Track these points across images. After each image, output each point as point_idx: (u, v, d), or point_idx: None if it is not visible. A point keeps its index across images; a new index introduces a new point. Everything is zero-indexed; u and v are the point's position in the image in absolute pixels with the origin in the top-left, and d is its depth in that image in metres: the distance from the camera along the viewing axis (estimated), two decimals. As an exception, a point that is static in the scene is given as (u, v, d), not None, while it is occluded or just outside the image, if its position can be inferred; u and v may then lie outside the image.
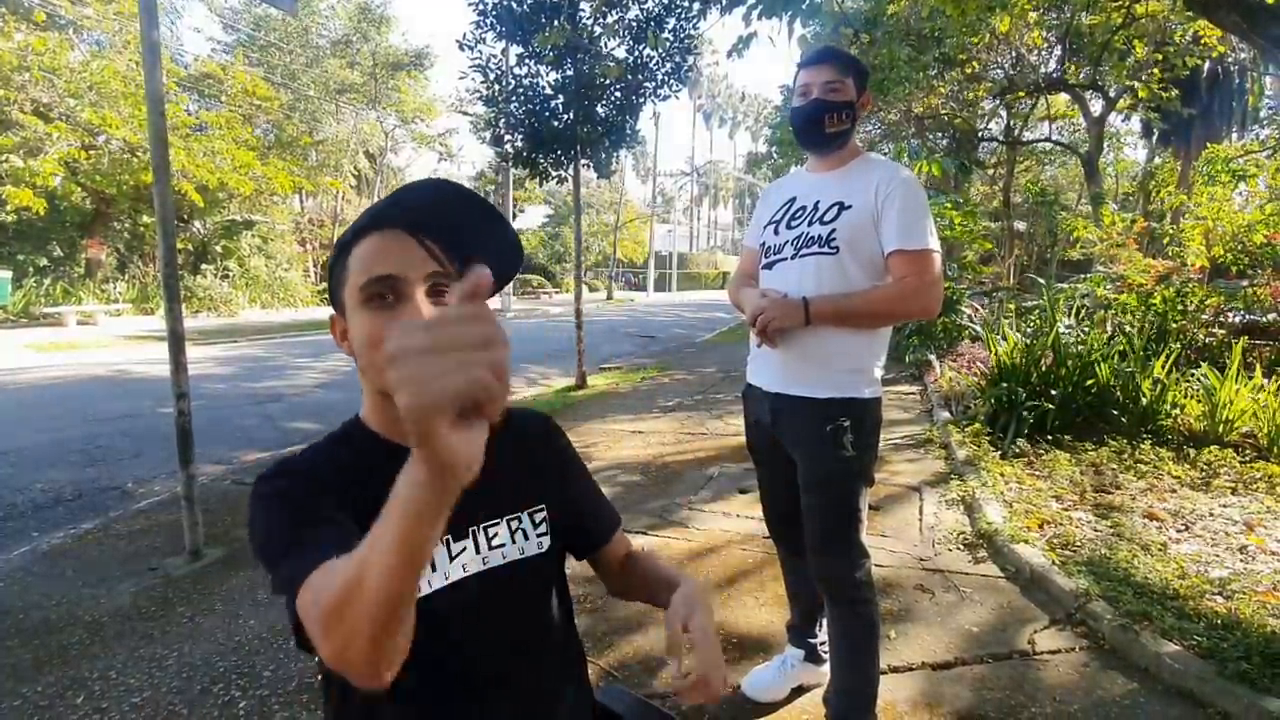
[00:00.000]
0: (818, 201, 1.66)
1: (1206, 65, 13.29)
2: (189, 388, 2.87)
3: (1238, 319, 6.24)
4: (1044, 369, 4.83)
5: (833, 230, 1.61)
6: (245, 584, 2.69)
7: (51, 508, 3.64)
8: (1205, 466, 3.89)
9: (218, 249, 18.05)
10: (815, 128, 1.65)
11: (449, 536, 0.83)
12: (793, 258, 1.67)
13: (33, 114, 13.74)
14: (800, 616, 2.02)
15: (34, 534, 3.25)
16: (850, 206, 1.61)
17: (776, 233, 1.73)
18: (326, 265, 0.83)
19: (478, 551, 0.86)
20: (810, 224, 1.65)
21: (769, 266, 1.74)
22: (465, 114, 21.98)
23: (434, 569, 0.81)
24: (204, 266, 17.45)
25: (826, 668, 1.93)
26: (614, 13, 6.49)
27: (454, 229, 0.79)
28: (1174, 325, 5.93)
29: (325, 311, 19.81)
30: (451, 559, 0.83)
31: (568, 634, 0.98)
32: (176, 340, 2.80)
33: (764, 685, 1.99)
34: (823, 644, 1.98)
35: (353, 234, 0.80)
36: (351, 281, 0.79)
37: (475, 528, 0.86)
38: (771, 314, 1.63)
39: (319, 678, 0.82)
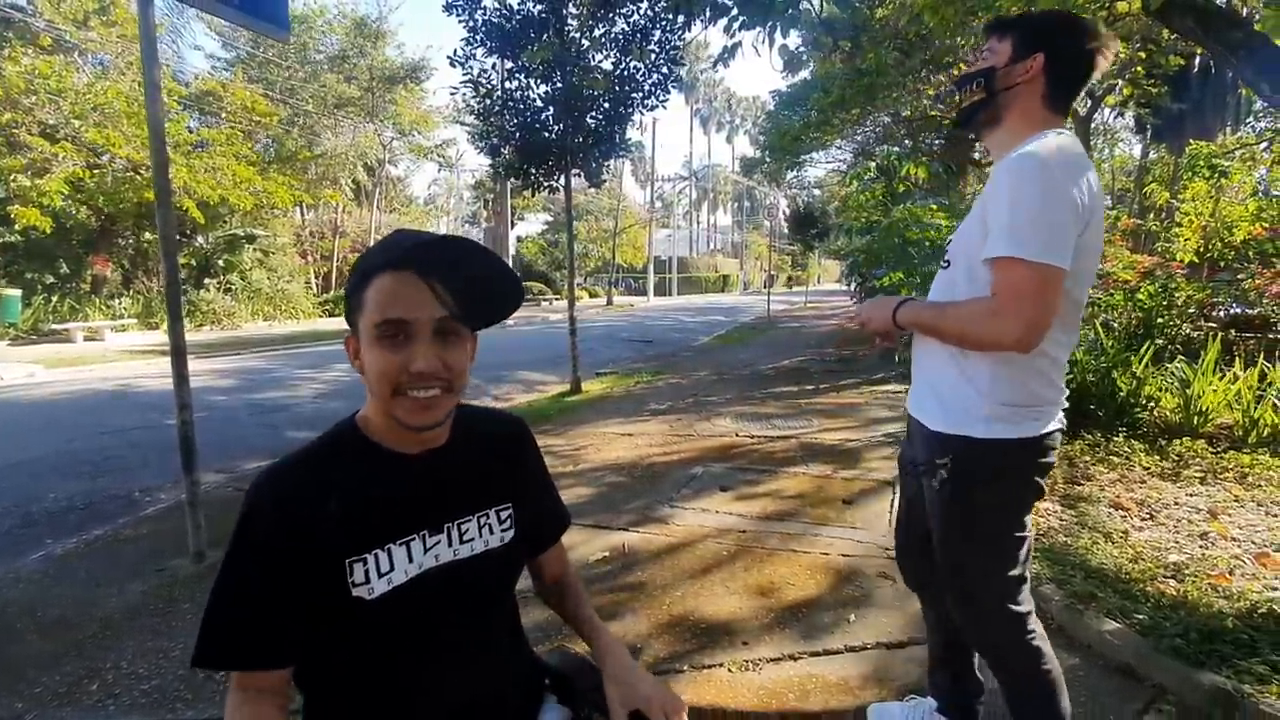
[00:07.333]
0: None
1: (1197, 60, 13.37)
2: (191, 399, 3.03)
3: (1228, 312, 6.36)
4: (1022, 365, 4.93)
5: (950, 241, 1.44)
6: (247, 583, 2.84)
7: (64, 515, 3.81)
8: (1176, 458, 4.00)
9: (220, 263, 18.29)
10: (956, 107, 1.44)
11: (425, 532, 0.96)
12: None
13: (39, 135, 14.01)
14: (939, 676, 1.80)
15: (48, 540, 3.41)
16: (971, 211, 1.38)
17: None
18: (345, 288, 0.96)
19: (450, 544, 0.98)
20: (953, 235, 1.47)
21: None
22: (462, 124, 22.25)
23: (410, 560, 0.94)
24: (207, 281, 17.68)
25: None
26: (600, 26, 6.67)
27: (461, 274, 0.90)
28: (1160, 320, 6.05)
29: (326, 324, 19.94)
30: (426, 550, 0.96)
31: (511, 601, 1.13)
32: (179, 355, 2.97)
33: None
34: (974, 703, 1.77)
35: (371, 267, 0.89)
36: (368, 317, 0.89)
37: (450, 524, 0.99)
38: (864, 315, 1.50)
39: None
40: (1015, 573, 1.40)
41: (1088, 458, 4.04)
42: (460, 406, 1.01)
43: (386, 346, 0.88)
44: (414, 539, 0.95)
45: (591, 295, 34.50)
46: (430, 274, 0.89)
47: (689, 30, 6.69)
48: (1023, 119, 1.35)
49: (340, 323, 19.06)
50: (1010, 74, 1.33)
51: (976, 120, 1.41)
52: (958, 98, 1.42)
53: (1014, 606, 1.40)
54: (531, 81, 6.77)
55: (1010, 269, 1.20)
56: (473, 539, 1.01)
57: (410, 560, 0.94)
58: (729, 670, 2.14)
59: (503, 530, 1.05)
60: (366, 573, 0.90)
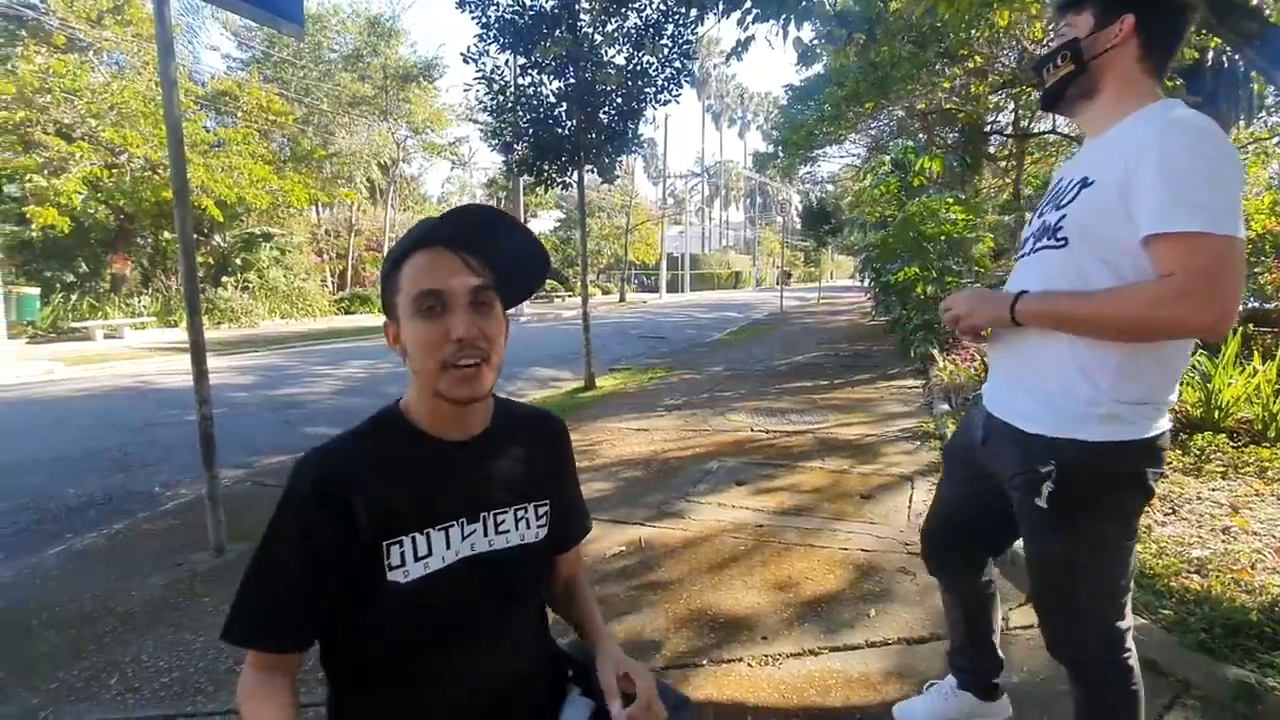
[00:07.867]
0: (1065, 179, 1.30)
1: (1211, 53, 13.17)
2: (210, 395, 3.05)
3: (1246, 307, 6.27)
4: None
5: (1063, 216, 1.25)
6: (266, 577, 2.86)
7: (84, 511, 3.85)
8: (1198, 452, 3.95)
9: (237, 261, 18.47)
10: (1041, 88, 1.36)
11: (463, 519, 0.97)
12: (1029, 253, 1.34)
13: (55, 135, 14.16)
14: (960, 657, 1.80)
15: (67, 535, 3.45)
16: (1092, 182, 1.21)
17: (1030, 223, 1.39)
18: (380, 274, 1.00)
19: (485, 534, 0.99)
20: (1053, 209, 1.29)
21: (1017, 263, 1.42)
22: (475, 122, 22.30)
23: (447, 546, 0.95)
24: (224, 279, 17.85)
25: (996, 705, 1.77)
26: (613, 21, 6.65)
27: (490, 245, 0.94)
28: (1180, 314, 5.96)
29: (342, 321, 20.10)
30: (464, 538, 0.97)
31: (538, 595, 1.13)
32: (198, 351, 2.99)
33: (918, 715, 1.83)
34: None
35: (403, 250, 0.93)
36: (405, 293, 0.92)
37: (487, 513, 1.00)
38: (961, 308, 1.35)
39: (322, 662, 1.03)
40: (1124, 583, 1.31)
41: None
42: (501, 400, 1.05)
43: (426, 318, 0.91)
44: (452, 525, 0.96)
45: (604, 292, 34.50)
46: (459, 246, 0.92)
47: (701, 24, 6.68)
48: (1124, 85, 1.25)
49: (356, 320, 19.37)
50: (1098, 40, 1.24)
51: (1068, 96, 1.32)
52: (1042, 77, 1.35)
53: (1119, 623, 1.32)
54: (544, 77, 6.77)
55: (1191, 244, 1.07)
56: (508, 531, 1.01)
57: (448, 547, 0.95)
58: (748, 665, 2.13)
59: (538, 526, 1.05)
60: (403, 555, 0.92)
